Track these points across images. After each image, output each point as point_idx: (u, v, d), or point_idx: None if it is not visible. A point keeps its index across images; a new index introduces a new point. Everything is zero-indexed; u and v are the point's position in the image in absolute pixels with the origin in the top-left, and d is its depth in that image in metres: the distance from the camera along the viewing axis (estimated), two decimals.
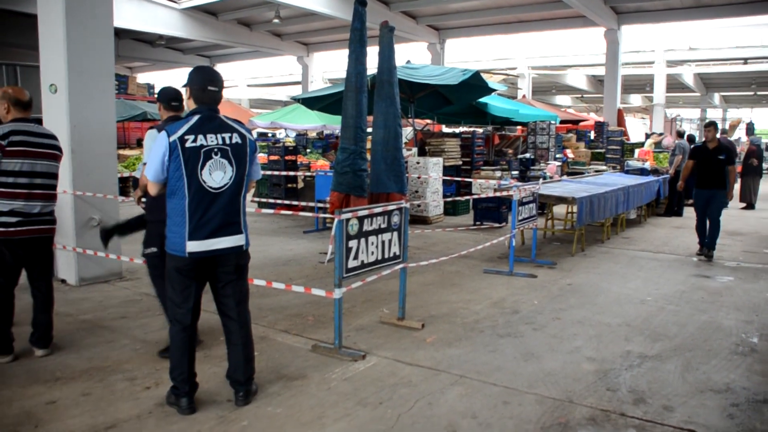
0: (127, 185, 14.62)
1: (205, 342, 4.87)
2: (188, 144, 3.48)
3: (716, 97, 41.41)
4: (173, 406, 3.72)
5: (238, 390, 3.81)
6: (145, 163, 4.00)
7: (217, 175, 3.56)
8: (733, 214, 13.50)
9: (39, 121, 5.30)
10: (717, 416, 3.73)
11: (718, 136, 8.75)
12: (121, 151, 16.37)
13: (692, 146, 9.78)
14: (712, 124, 8.76)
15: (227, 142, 3.60)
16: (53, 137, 4.67)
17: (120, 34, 21.24)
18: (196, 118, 3.57)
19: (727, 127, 28.31)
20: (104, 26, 6.70)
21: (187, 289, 3.65)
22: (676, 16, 19.34)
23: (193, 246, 3.55)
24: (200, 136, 3.52)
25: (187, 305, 3.66)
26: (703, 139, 8.86)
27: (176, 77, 37.35)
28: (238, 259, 3.77)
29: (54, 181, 4.65)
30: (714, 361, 4.64)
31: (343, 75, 7.97)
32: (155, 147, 3.51)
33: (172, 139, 3.46)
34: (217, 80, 3.68)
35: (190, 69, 3.79)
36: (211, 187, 3.55)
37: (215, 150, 3.55)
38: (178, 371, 3.69)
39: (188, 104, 3.72)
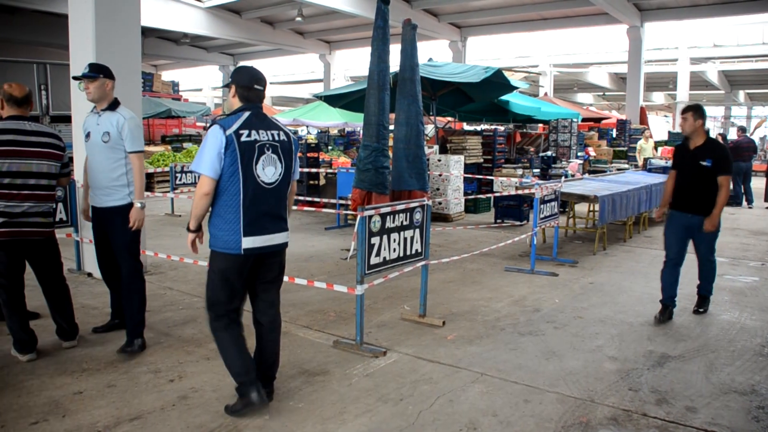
0: (151, 181, 14.81)
1: None
2: (243, 138, 3.47)
3: (741, 95, 40.83)
4: (244, 409, 3.59)
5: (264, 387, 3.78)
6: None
7: (269, 171, 3.57)
8: (757, 214, 13.32)
9: (36, 119, 5.05)
10: (741, 418, 3.70)
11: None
12: (147, 148, 16.59)
13: (675, 146, 6.29)
14: (690, 110, 5.54)
15: (276, 138, 3.63)
16: (50, 135, 4.47)
17: (146, 32, 21.52)
18: (247, 114, 3.56)
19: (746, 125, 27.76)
20: (131, 25, 6.78)
21: (235, 289, 3.62)
22: (699, 12, 19.14)
23: (249, 242, 3.53)
24: (253, 131, 3.52)
25: (236, 302, 3.64)
26: (683, 136, 5.78)
27: (200, 75, 37.71)
28: (283, 256, 3.82)
29: (47, 180, 4.42)
30: (738, 363, 4.60)
31: (365, 73, 8.00)
32: (209, 141, 3.45)
33: (228, 133, 3.44)
34: (262, 79, 3.70)
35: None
36: (264, 182, 3.55)
37: (267, 146, 3.56)
38: (241, 368, 3.60)
39: (232, 102, 3.68)
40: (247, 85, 3.63)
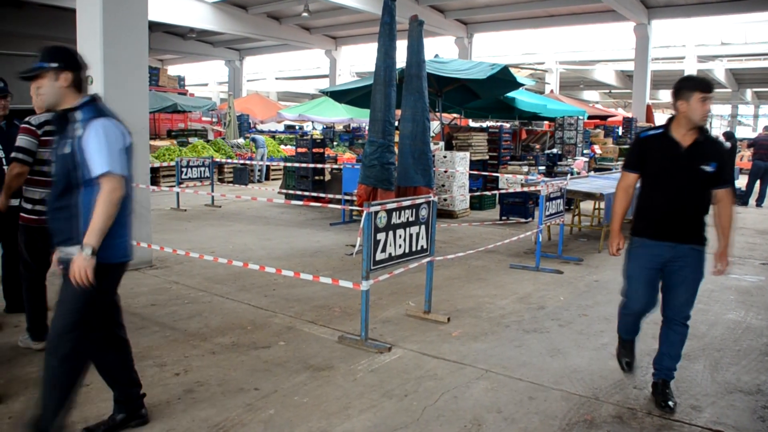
0: (157, 175, 14.85)
1: (234, 331, 4.95)
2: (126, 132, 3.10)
3: (748, 93, 40.69)
4: None
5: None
6: None
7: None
8: (765, 213, 13.27)
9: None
10: (747, 418, 3.69)
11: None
12: (153, 142, 16.63)
13: (638, 137, 3.96)
14: (711, 87, 3.63)
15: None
16: None
17: (152, 27, 21.55)
18: (102, 104, 3.08)
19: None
20: (139, 19, 6.82)
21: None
22: (707, 10, 19.06)
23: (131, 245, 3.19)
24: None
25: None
26: (663, 124, 3.84)
27: (206, 69, 37.70)
28: None
29: None
30: (744, 362, 4.59)
31: (371, 69, 8.00)
32: (113, 136, 2.94)
33: (122, 128, 3.03)
34: None
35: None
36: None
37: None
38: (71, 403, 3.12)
39: (63, 92, 2.99)
40: (84, 70, 3.03)
